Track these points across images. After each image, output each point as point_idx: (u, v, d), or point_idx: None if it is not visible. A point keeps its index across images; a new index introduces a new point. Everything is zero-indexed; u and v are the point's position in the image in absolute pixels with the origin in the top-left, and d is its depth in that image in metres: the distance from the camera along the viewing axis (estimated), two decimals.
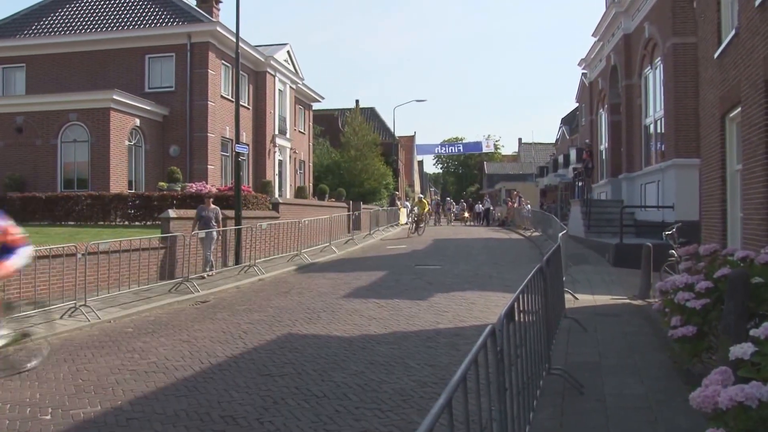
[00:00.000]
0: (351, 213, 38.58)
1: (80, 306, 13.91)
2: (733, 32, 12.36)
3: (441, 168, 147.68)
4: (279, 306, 15.56)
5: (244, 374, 9.48)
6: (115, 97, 29.61)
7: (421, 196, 64.21)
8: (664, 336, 9.65)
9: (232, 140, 32.22)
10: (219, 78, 34.62)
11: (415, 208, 43.69)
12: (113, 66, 33.72)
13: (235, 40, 24.41)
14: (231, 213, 22.80)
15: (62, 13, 36.63)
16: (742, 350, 4.62)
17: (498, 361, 4.83)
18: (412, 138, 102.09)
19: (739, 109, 11.98)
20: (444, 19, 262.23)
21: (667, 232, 17.19)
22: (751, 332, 4.89)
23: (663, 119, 26.37)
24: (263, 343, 11.62)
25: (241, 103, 29.23)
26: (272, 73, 40.81)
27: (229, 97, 34.79)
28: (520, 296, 6.56)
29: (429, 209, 42.60)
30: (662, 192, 25.77)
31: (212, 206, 20.36)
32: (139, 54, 33.71)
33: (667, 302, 8.60)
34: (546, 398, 7.63)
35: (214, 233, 19.87)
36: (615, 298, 15.96)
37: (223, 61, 34.89)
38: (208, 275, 18.61)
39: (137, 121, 31.26)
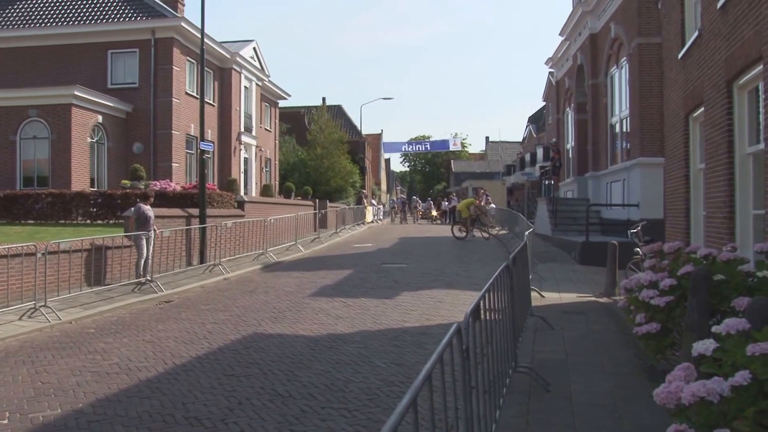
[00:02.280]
0: (317, 211, 38.50)
1: (40, 307, 13.71)
2: (696, 33, 12.54)
3: (408, 166, 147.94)
4: (244, 305, 15.50)
5: (209, 375, 9.44)
6: (76, 93, 29.23)
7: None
8: (629, 333, 9.76)
9: (196, 137, 31.92)
10: (184, 74, 34.37)
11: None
12: (75, 61, 33.27)
13: (200, 36, 24.25)
14: (196, 211, 22.68)
15: (21, 6, 36.05)
16: (704, 346, 4.69)
17: (464, 359, 4.85)
18: (379, 136, 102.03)
19: (702, 109, 12.15)
20: (412, 18, 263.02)
21: (632, 230, 17.41)
22: (713, 329, 4.97)
23: (628, 118, 26.69)
24: (228, 343, 11.57)
25: (206, 100, 29.09)
26: (238, 69, 40.59)
27: (194, 94, 34.50)
28: (487, 294, 6.60)
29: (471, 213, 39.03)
30: (628, 190, 26.07)
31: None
32: (102, 49, 33.32)
33: (632, 300, 8.70)
34: (513, 396, 7.69)
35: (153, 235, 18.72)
36: (581, 295, 16.11)
37: (188, 58, 34.64)
38: (147, 280, 17.95)
39: (100, 118, 30.91)
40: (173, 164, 32.99)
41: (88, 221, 25.01)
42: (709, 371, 4.48)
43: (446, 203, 63.05)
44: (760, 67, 8.82)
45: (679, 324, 7.66)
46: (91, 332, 12.71)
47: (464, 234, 34.91)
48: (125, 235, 18.21)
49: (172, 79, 32.94)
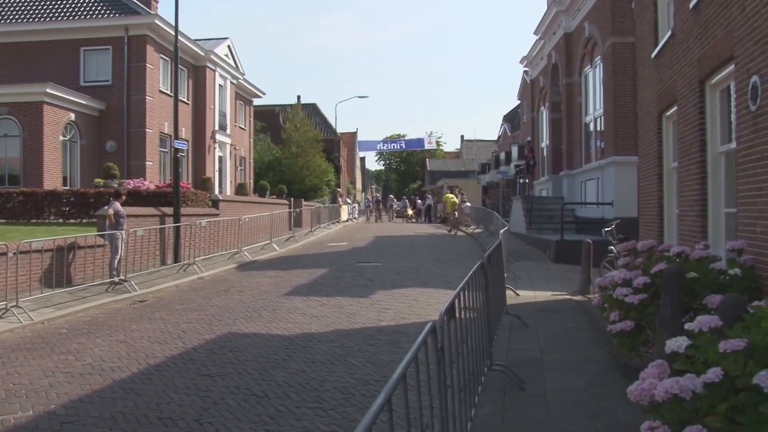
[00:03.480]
0: (292, 210, 38.45)
1: (11, 307, 13.56)
2: (669, 33, 12.63)
3: (383, 165, 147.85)
4: (219, 305, 15.45)
5: (183, 375, 9.40)
6: (48, 90, 28.96)
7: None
8: (604, 331, 9.84)
9: (170, 136, 31.71)
10: (157, 72, 34.15)
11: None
12: (47, 58, 32.92)
13: (174, 33, 24.12)
14: (170, 210, 22.55)
15: None
16: (677, 344, 4.74)
17: (439, 358, 4.86)
18: (354, 134, 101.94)
19: (675, 108, 12.24)
20: (387, 17, 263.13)
21: (606, 229, 17.50)
22: (686, 326, 5.02)
23: (602, 117, 26.84)
24: (203, 342, 11.53)
25: (180, 98, 28.96)
26: (212, 67, 40.43)
27: (168, 92, 34.33)
28: (461, 293, 6.62)
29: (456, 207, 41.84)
30: (602, 189, 26.22)
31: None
32: (74, 46, 33.00)
33: (606, 298, 8.76)
34: (488, 394, 7.72)
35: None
36: (556, 294, 16.21)
37: (161, 55, 34.43)
38: (120, 280, 17.81)
39: (72, 116, 30.65)
40: (147, 163, 32.79)
41: (61, 220, 24.81)
42: (682, 368, 4.53)
43: (421, 202, 63.06)
44: (731, 67, 8.90)
45: (652, 322, 7.72)
46: (64, 332, 12.61)
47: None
48: (98, 234, 18.09)
49: (145, 76, 32.73)
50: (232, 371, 9.55)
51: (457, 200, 43.92)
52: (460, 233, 38.44)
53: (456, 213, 42.69)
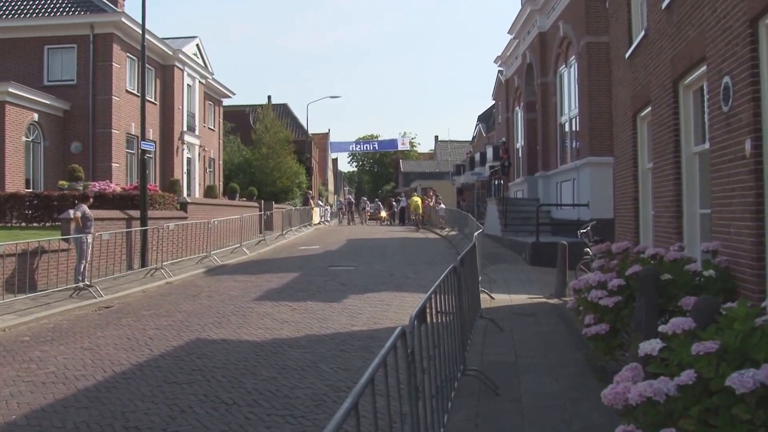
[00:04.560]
0: (263, 213, 38.28)
1: None
2: (642, 33, 12.76)
3: (356, 166, 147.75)
4: (187, 310, 15.37)
5: (150, 382, 9.34)
6: (10, 89, 28.61)
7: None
8: (579, 334, 9.90)
9: (137, 137, 31.41)
10: (124, 71, 33.88)
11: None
12: (9, 57, 32.50)
13: (141, 31, 23.95)
14: (137, 213, 22.41)
15: None
16: (650, 346, 4.78)
17: (409, 362, 4.87)
18: (326, 135, 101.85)
19: (650, 108, 12.36)
20: (360, 16, 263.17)
21: (581, 231, 17.62)
22: (660, 328, 5.07)
23: (578, 117, 27.05)
24: (170, 349, 11.47)
25: (147, 98, 28.69)
26: (180, 67, 40.21)
27: (135, 92, 33.99)
28: (433, 296, 6.64)
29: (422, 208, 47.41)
30: (577, 190, 26.39)
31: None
32: (38, 44, 32.63)
33: (581, 300, 8.81)
34: (461, 399, 7.75)
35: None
36: (531, 297, 16.28)
37: (128, 54, 34.17)
38: (85, 285, 17.65)
39: (35, 116, 30.33)
40: (113, 164, 32.50)
41: (23, 224, 24.54)
42: (656, 371, 4.58)
43: (395, 204, 63.07)
44: (704, 68, 9.01)
45: (627, 324, 7.78)
46: (26, 340, 12.47)
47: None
48: (63, 238, 17.92)
49: (111, 76, 32.45)
50: (201, 378, 9.51)
51: (421, 202, 48.19)
52: (433, 235, 38.48)
53: (422, 214, 46.50)
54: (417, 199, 50.26)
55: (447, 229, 41.88)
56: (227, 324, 13.62)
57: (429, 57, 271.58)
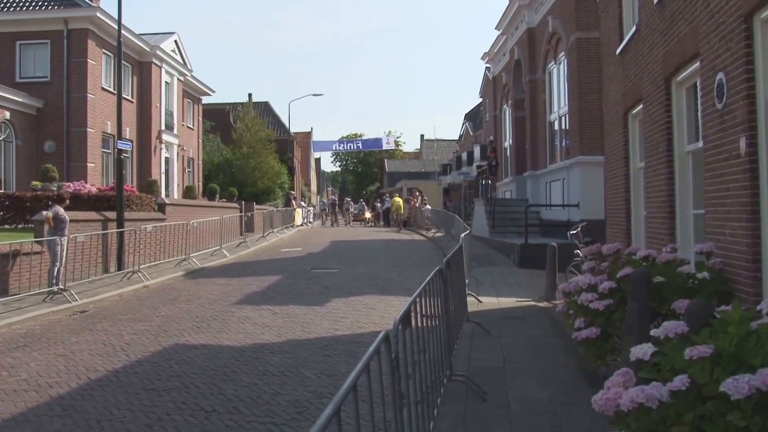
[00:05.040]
0: (243, 214, 38.18)
1: None
2: (633, 29, 12.78)
3: (339, 166, 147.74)
4: (165, 315, 15.31)
5: (127, 390, 9.28)
6: None
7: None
8: (570, 338, 9.90)
9: (114, 136, 31.26)
10: (99, 68, 33.72)
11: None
12: None
13: (117, 27, 23.84)
14: (113, 215, 22.31)
15: None
16: (642, 351, 4.78)
17: (393, 368, 4.85)
18: (308, 134, 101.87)
19: (641, 106, 12.38)
20: (344, 12, 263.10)
21: (572, 232, 17.64)
22: (652, 332, 5.06)
23: (567, 115, 27.08)
24: (148, 355, 11.41)
25: (124, 95, 28.54)
26: (158, 63, 40.06)
27: (111, 89, 33.84)
28: (418, 300, 6.63)
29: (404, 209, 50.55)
30: (567, 190, 26.42)
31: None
32: (9, 40, 32.42)
33: (571, 304, 8.80)
34: (448, 406, 7.73)
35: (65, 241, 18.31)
36: (520, 300, 16.29)
37: (104, 50, 33.99)
38: (60, 289, 17.51)
39: (7, 114, 30.13)
40: (88, 164, 32.34)
41: None
42: (648, 376, 4.57)
43: (380, 205, 63.08)
44: (697, 64, 9.02)
45: (619, 328, 7.77)
46: None
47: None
48: (36, 241, 17.79)
49: (86, 73, 32.30)
50: (179, 385, 9.46)
51: (403, 203, 50.70)
52: (419, 237, 38.47)
53: (404, 214, 49.13)
54: (399, 200, 51.82)
55: (433, 231, 41.92)
56: (207, 329, 13.57)
57: (415, 54, 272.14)
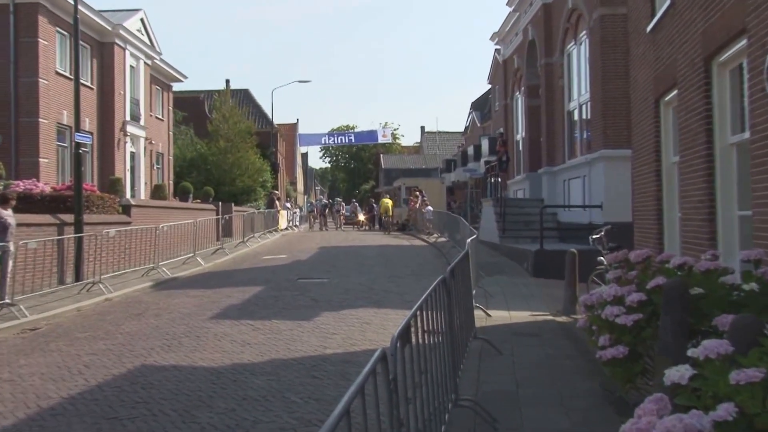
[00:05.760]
0: (220, 217, 38.19)
1: None
2: (668, 2, 12.71)
3: (329, 162, 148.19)
4: (130, 331, 15.22)
5: (85, 419, 9.17)
6: None
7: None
8: (592, 358, 9.82)
9: (70, 127, 31.23)
10: (53, 49, 33.52)
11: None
12: None
13: (73, 1, 23.76)
14: (70, 218, 22.19)
15: None
16: (678, 374, 4.68)
17: (391, 391, 4.80)
18: (294, 126, 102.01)
19: (676, 91, 12.32)
20: None
21: (594, 236, 17.56)
22: (689, 352, 4.96)
23: (589, 104, 27.03)
24: (110, 378, 11.31)
25: (82, 81, 28.49)
26: (122, 45, 39.97)
27: (67, 74, 33.74)
28: (419, 313, 6.56)
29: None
30: (589, 189, 26.38)
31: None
32: None
33: (594, 318, 8.72)
34: None
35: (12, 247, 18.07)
36: (535, 314, 16.26)
37: (58, 28, 33.79)
38: (6, 304, 17.30)
39: None
40: (41, 160, 32.19)
41: None
42: (687, 403, 4.47)
43: (376, 206, 63.13)
44: (743, 42, 8.93)
45: (650, 347, 7.69)
46: None
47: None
48: None
49: (37, 54, 32.08)
50: (146, 412, 9.36)
51: (392, 205, 53.33)
52: (419, 242, 38.45)
53: (396, 216, 51.77)
54: (388, 201, 54.63)
55: (435, 235, 41.95)
56: (178, 347, 13.49)
57: (415, 35, 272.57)
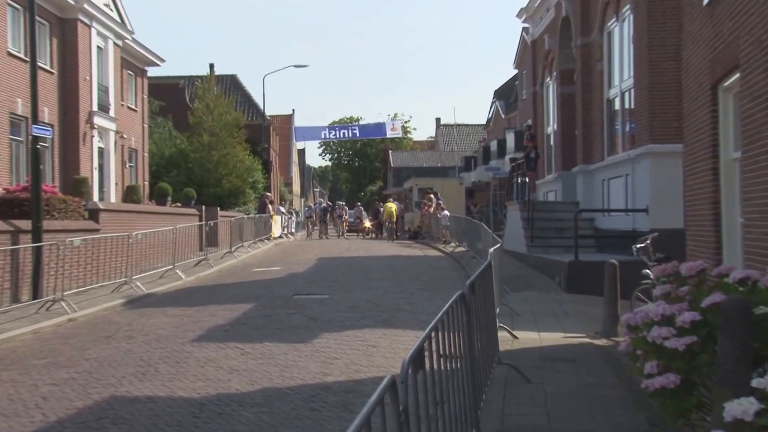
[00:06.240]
0: (204, 223, 38.34)
1: None
2: None
3: (330, 160, 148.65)
4: (98, 357, 15.22)
5: None
6: None
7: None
8: (637, 388, 9.76)
9: (26, 118, 31.23)
10: (4, 26, 33.33)
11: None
12: None
13: None
14: (27, 224, 22.17)
15: None
16: (741, 408, 4.63)
17: (401, 424, 4.80)
18: (289, 118, 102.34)
19: (738, 75, 12.23)
20: None
21: (638, 245, 17.51)
22: (754, 382, 4.90)
23: (633, 90, 26.94)
24: (73, 412, 11.31)
25: (39, 63, 28.46)
26: (86, 21, 39.85)
27: (21, 56, 33.64)
28: (433, 335, 6.53)
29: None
30: (632, 190, 26.32)
31: None
32: None
33: (639, 341, 8.65)
34: None
35: None
36: (569, 336, 16.31)
37: (9, 1, 33.69)
38: None
39: None
40: None
41: None
42: None
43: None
44: None
45: (707, 376, 7.63)
46: None
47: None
48: None
49: None
50: None
51: (395, 210, 55.53)
52: (434, 252, 38.43)
53: (394, 221, 54.62)
54: (392, 206, 57.89)
55: (452, 244, 42.03)
56: (154, 375, 13.49)
57: (429, 10, 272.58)
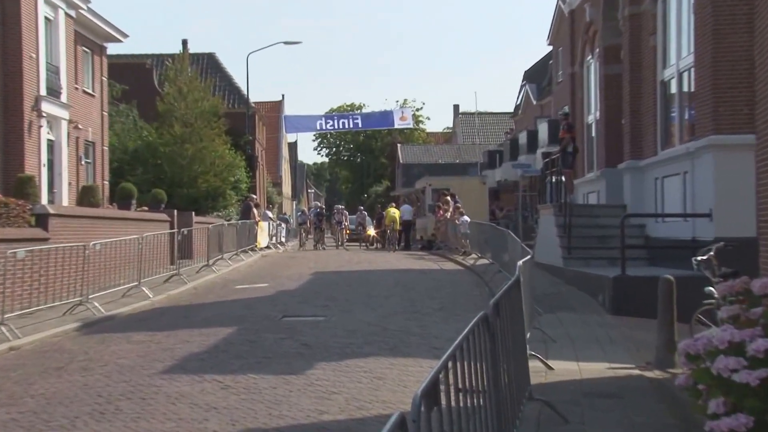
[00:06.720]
0: (176, 231, 38.35)
1: None
2: None
3: (327, 155, 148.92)
4: (47, 393, 15.16)
5: None
6: None
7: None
8: (700, 430, 9.71)
9: None
10: None
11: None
12: None
13: None
14: None
15: None
16: None
17: None
18: (278, 105, 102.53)
19: None
20: None
21: (700, 258, 17.44)
22: None
23: (693, 70, 26.86)
24: None
25: None
26: None
27: None
28: (450, 364, 6.48)
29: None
30: (692, 190, 26.27)
31: None
32: None
33: (700, 374, 8.59)
34: None
35: None
36: (615, 366, 16.26)
37: None
38: None
39: None
40: None
41: None
42: None
43: None
44: None
45: None
46: None
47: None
48: None
49: None
50: None
51: (398, 216, 57.62)
52: (451, 264, 38.45)
53: (397, 229, 56.62)
54: (394, 211, 58.54)
55: (473, 256, 42.06)
56: (115, 414, 13.44)
57: None
